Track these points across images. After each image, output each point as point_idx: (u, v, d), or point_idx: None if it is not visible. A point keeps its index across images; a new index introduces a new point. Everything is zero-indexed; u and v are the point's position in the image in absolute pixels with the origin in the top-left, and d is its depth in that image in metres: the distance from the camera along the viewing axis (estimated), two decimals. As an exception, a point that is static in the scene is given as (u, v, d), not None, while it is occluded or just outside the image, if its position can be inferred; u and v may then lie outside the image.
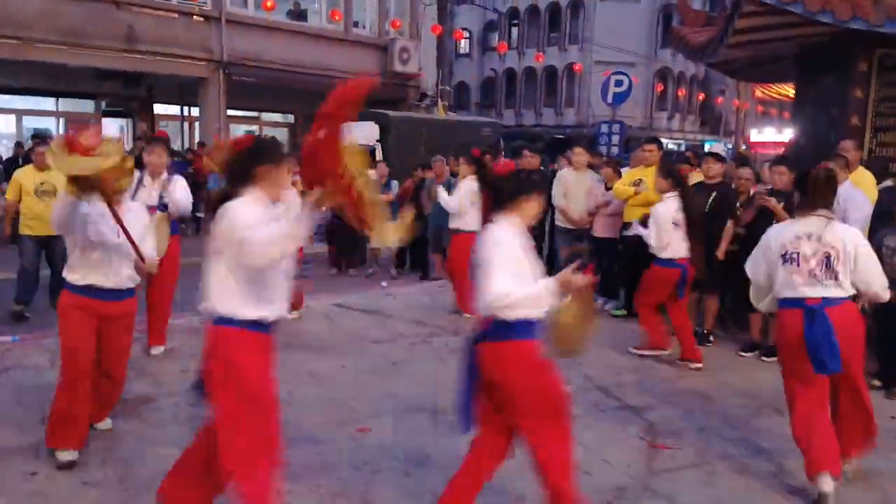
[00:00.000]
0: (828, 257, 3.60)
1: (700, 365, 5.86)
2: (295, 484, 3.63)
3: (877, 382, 5.41)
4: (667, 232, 5.72)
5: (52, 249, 6.99)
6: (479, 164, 6.27)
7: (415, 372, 5.58)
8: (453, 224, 7.32)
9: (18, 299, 7.13)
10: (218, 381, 2.86)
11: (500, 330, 2.92)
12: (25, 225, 7.02)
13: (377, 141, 14.66)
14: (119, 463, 3.82)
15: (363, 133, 14.32)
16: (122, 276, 3.86)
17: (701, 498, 3.66)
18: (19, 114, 17.06)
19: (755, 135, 33.72)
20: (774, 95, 32.65)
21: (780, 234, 3.80)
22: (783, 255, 3.69)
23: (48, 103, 17.55)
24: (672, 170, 6.15)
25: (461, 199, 7.07)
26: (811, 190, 3.69)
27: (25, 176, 7.03)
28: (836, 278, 3.60)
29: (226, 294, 2.87)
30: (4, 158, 14.01)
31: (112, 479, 3.65)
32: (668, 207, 5.77)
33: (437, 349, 6.24)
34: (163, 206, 5.40)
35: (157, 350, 5.77)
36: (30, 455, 3.87)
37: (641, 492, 3.69)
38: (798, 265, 3.64)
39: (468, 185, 6.93)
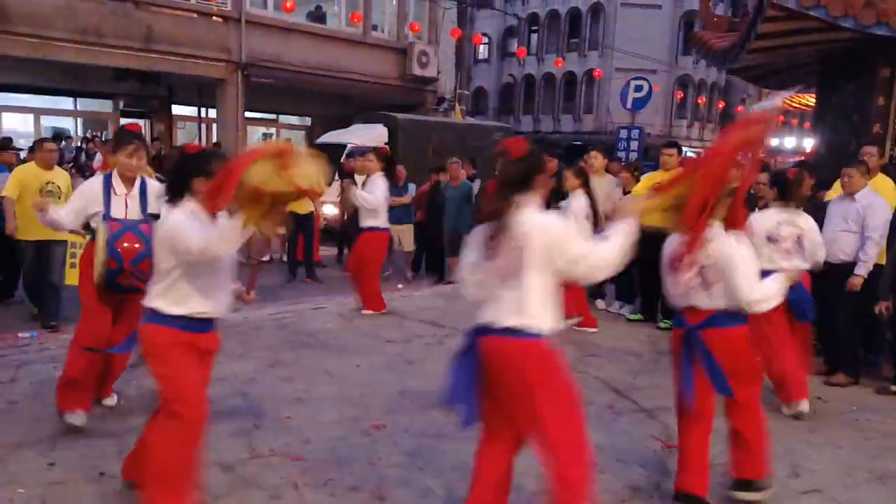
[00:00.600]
0: (799, 237, 4.89)
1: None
2: (309, 477, 3.66)
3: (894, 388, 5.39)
4: (581, 224, 6.29)
5: (49, 255, 6.51)
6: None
7: (429, 371, 5.57)
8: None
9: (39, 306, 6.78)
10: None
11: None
12: (25, 228, 6.36)
13: (385, 144, 14.41)
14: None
15: (371, 135, 14.41)
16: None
17: (713, 498, 3.62)
18: (37, 113, 17.26)
19: (775, 144, 33.49)
20: (795, 105, 32.44)
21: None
22: (768, 238, 4.82)
23: (66, 103, 17.74)
24: (580, 169, 7.12)
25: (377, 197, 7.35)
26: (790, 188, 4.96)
27: (29, 174, 6.51)
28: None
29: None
30: (23, 158, 14.12)
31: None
32: (581, 203, 6.65)
33: (451, 349, 6.16)
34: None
35: None
36: (48, 447, 3.91)
37: (654, 491, 3.67)
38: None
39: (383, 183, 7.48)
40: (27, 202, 5.99)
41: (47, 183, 6.40)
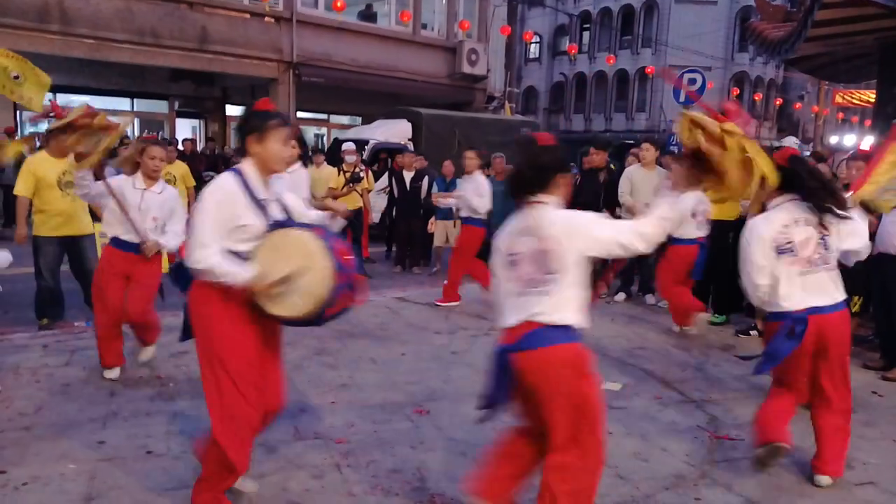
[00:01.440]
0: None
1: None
2: (352, 458, 3.69)
3: None
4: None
5: (79, 250, 6.16)
6: None
7: (474, 361, 5.55)
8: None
9: (45, 315, 6.21)
10: None
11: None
12: (46, 225, 5.93)
13: (409, 139, 14.34)
14: (182, 436, 3.93)
15: (395, 131, 14.29)
16: None
17: (761, 488, 3.53)
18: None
19: (835, 142, 32.55)
20: (856, 102, 31.45)
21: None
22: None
23: (124, 103, 18.23)
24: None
25: None
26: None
27: (43, 166, 5.93)
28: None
29: None
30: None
31: (175, 451, 3.75)
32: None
33: (496, 341, 6.20)
34: None
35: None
36: (98, 426, 4.03)
37: (699, 479, 3.58)
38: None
39: None
40: (46, 196, 5.86)
41: (64, 172, 5.85)
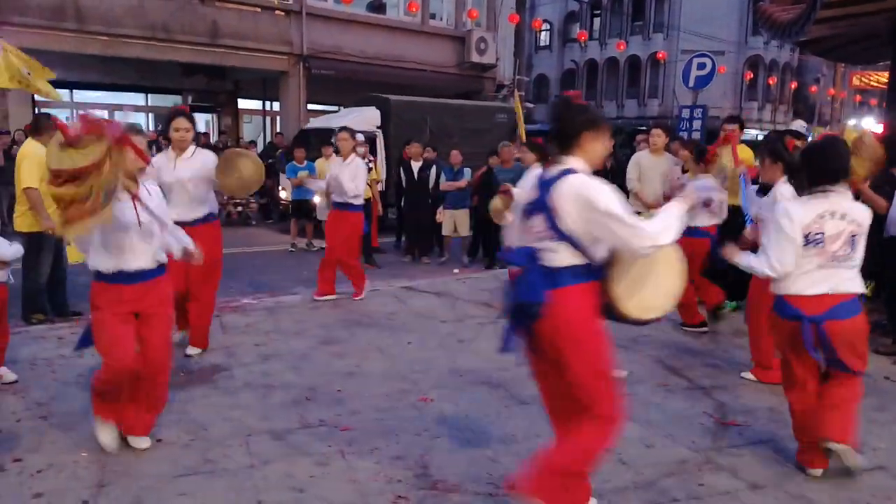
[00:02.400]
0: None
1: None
2: (355, 446, 3.74)
3: None
4: None
5: (62, 249, 6.29)
6: None
7: (480, 349, 5.60)
8: None
9: (40, 310, 6.25)
10: None
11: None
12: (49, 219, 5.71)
13: (378, 127, 13.69)
14: (191, 424, 3.99)
15: (363, 118, 13.61)
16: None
17: (766, 472, 3.54)
18: (110, 109, 17.94)
19: (852, 124, 32.13)
20: (874, 84, 31.05)
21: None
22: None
23: (138, 98, 18.42)
24: (536, 144, 6.20)
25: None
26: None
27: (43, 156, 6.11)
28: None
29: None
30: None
31: (184, 439, 3.82)
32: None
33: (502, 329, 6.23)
34: None
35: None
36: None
37: (703, 464, 3.60)
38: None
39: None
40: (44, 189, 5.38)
41: None
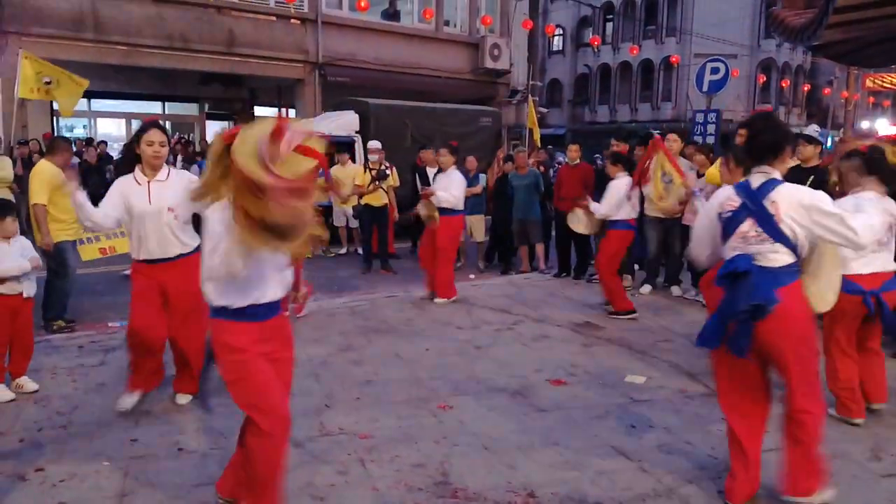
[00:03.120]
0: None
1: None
2: (376, 454, 3.75)
3: None
4: None
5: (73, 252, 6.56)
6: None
7: (498, 356, 5.61)
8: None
9: (63, 315, 6.46)
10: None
11: None
12: (66, 231, 6.23)
13: (356, 132, 13.01)
14: (211, 433, 4.03)
15: (340, 123, 13.05)
16: None
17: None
18: (128, 117, 18.14)
19: (866, 127, 31.95)
20: (887, 86, 30.77)
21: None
22: None
23: (155, 107, 18.60)
24: (620, 156, 7.46)
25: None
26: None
27: (53, 174, 6.16)
28: None
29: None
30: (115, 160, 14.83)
31: (205, 447, 3.85)
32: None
33: (520, 335, 6.26)
34: None
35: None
36: (131, 424, 4.16)
37: (723, 472, 3.58)
38: None
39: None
40: (62, 203, 5.89)
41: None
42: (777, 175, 3.13)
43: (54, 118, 15.53)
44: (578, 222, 7.45)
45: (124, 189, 4.25)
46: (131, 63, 14.82)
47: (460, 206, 7.59)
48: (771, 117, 3.29)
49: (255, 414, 2.87)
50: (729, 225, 3.17)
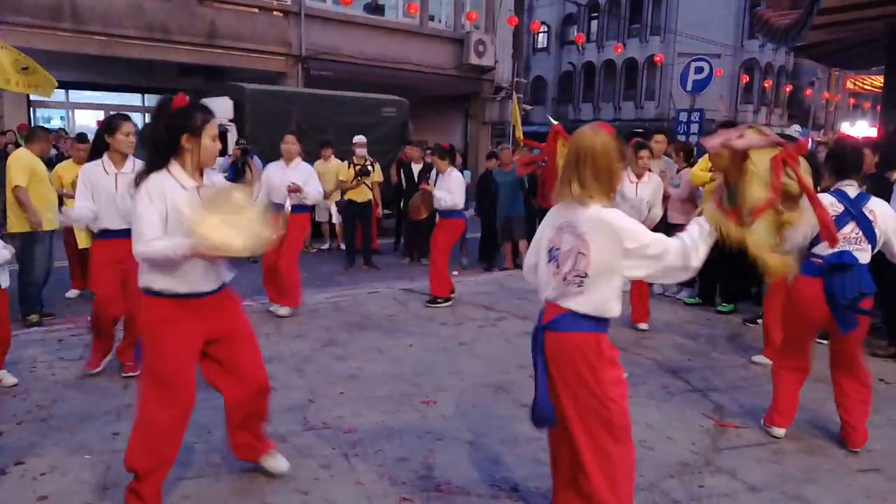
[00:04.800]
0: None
1: None
2: (359, 448, 3.76)
3: None
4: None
5: (52, 245, 6.48)
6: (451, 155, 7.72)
7: (481, 352, 5.63)
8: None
9: (37, 309, 6.42)
10: None
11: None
12: (42, 219, 6.20)
13: (230, 120, 11.80)
14: (195, 427, 3.98)
15: (214, 111, 12.43)
16: None
17: (765, 475, 3.58)
18: (107, 109, 17.88)
19: (847, 128, 32.38)
20: (868, 88, 31.10)
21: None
22: None
23: (135, 99, 18.39)
24: (442, 149, 7.68)
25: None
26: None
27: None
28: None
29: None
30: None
31: (188, 440, 3.81)
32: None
33: (503, 332, 6.28)
34: None
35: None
36: (112, 418, 4.13)
37: (703, 467, 3.63)
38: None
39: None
40: (40, 190, 6.18)
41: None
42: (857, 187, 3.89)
43: (31, 109, 15.31)
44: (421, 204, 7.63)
45: (91, 178, 4.57)
46: (110, 53, 14.60)
47: (461, 207, 7.51)
48: (852, 144, 4.12)
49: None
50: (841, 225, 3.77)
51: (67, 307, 6.83)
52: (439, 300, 7.20)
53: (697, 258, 2.58)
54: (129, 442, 3.04)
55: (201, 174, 3.02)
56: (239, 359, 3.17)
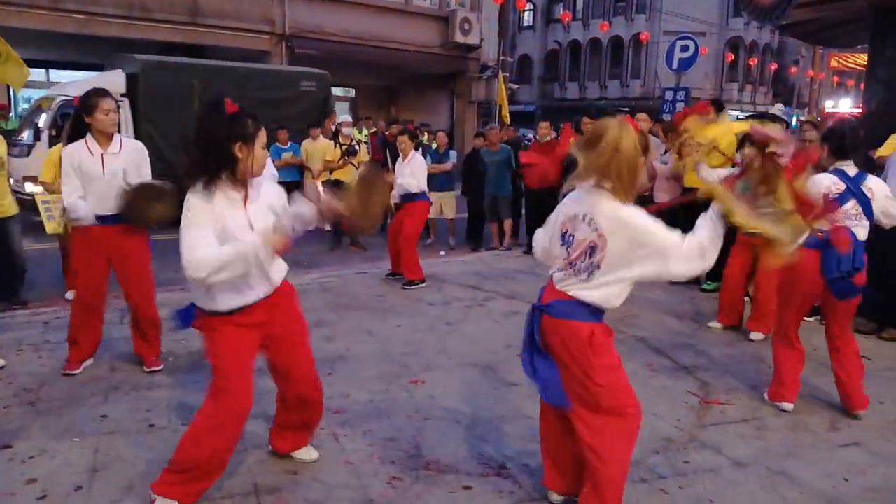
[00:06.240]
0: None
1: None
2: (348, 428, 3.78)
3: None
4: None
5: (7, 232, 6.09)
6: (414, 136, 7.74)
7: (469, 332, 5.66)
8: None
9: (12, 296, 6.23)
10: None
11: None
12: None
13: (122, 95, 10.75)
14: (183, 409, 4.01)
15: (101, 84, 10.87)
16: None
17: (749, 449, 3.64)
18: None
19: (830, 106, 32.52)
20: (851, 66, 31.24)
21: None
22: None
23: (117, 78, 18.06)
24: (407, 130, 7.79)
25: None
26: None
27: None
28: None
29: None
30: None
31: (176, 423, 3.83)
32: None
33: (491, 311, 6.31)
34: None
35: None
36: (100, 400, 4.12)
37: (688, 443, 3.68)
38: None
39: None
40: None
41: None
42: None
43: (10, 89, 15.06)
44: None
45: (75, 160, 4.29)
46: (90, 32, 14.38)
47: (424, 189, 7.52)
48: (851, 124, 4.26)
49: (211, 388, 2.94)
50: (840, 203, 3.95)
51: (53, 290, 6.76)
52: (416, 282, 7.21)
53: (708, 262, 2.58)
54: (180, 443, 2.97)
55: (245, 185, 2.83)
56: (288, 363, 3.20)
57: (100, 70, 17.15)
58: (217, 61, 13.10)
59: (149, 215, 4.18)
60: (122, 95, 10.64)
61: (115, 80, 10.85)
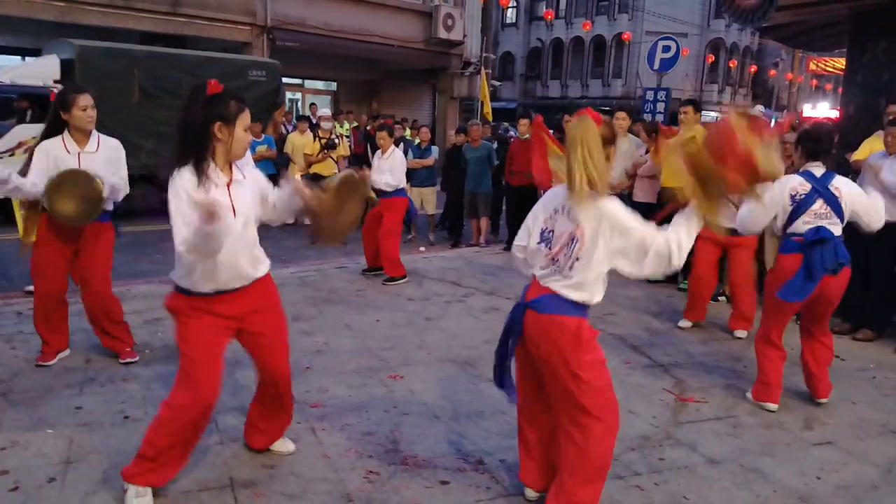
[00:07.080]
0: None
1: None
2: (326, 422, 3.77)
3: None
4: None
5: None
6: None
7: (448, 327, 5.67)
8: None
9: None
10: None
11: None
12: None
13: (56, 82, 10.03)
14: (159, 401, 3.93)
15: (35, 70, 10.74)
16: None
17: (724, 447, 3.68)
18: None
19: (808, 110, 32.90)
20: (830, 69, 31.60)
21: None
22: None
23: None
24: (386, 125, 7.74)
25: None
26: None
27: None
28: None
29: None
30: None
31: (151, 415, 3.78)
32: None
33: (470, 307, 6.32)
34: None
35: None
36: (75, 392, 4.08)
37: (664, 440, 3.72)
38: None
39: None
40: None
41: None
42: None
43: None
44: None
45: (51, 154, 4.17)
46: (69, 21, 14.15)
47: (402, 186, 7.51)
48: (826, 128, 4.43)
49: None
50: (803, 204, 4.04)
51: (26, 281, 6.66)
52: (398, 278, 7.20)
53: (680, 258, 2.64)
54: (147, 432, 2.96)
55: (230, 167, 2.84)
56: (263, 362, 3.18)
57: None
58: (161, 48, 12.34)
59: (58, 208, 4.06)
60: (55, 82, 9.99)
61: (48, 66, 10.45)
